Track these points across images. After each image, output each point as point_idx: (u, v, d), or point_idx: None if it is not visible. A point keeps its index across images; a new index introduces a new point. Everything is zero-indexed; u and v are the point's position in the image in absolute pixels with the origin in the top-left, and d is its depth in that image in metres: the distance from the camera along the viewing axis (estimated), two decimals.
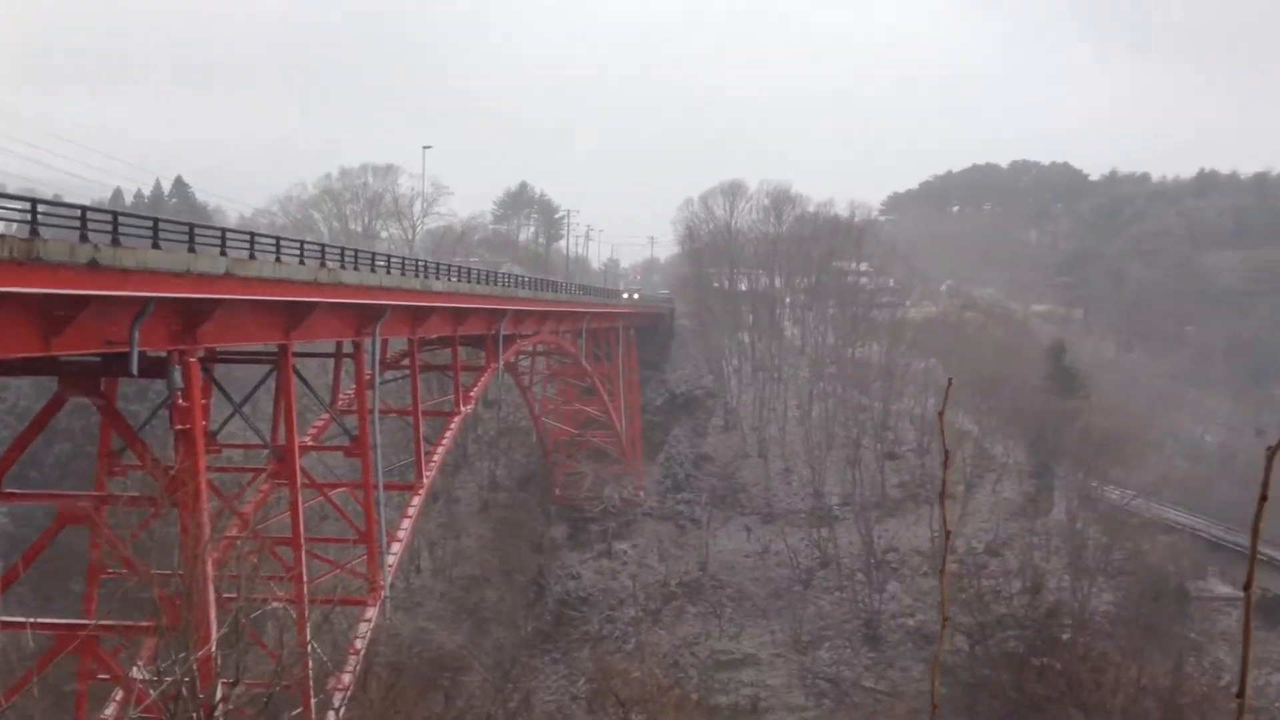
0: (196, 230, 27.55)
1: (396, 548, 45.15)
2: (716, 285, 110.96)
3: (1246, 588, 3.44)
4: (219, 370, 34.86)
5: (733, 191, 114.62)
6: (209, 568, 25.42)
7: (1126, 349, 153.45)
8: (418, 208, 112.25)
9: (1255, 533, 3.47)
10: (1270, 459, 3.34)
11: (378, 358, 42.22)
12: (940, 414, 5.44)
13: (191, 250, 26.27)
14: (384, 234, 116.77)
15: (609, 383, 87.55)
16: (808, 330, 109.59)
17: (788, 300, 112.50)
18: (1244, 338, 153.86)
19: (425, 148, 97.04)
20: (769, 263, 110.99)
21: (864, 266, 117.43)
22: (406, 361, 49.81)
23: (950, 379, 7.57)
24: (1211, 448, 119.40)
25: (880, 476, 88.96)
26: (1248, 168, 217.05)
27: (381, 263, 42.33)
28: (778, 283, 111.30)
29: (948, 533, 4.63)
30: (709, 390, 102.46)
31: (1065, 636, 72.07)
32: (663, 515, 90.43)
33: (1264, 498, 3.33)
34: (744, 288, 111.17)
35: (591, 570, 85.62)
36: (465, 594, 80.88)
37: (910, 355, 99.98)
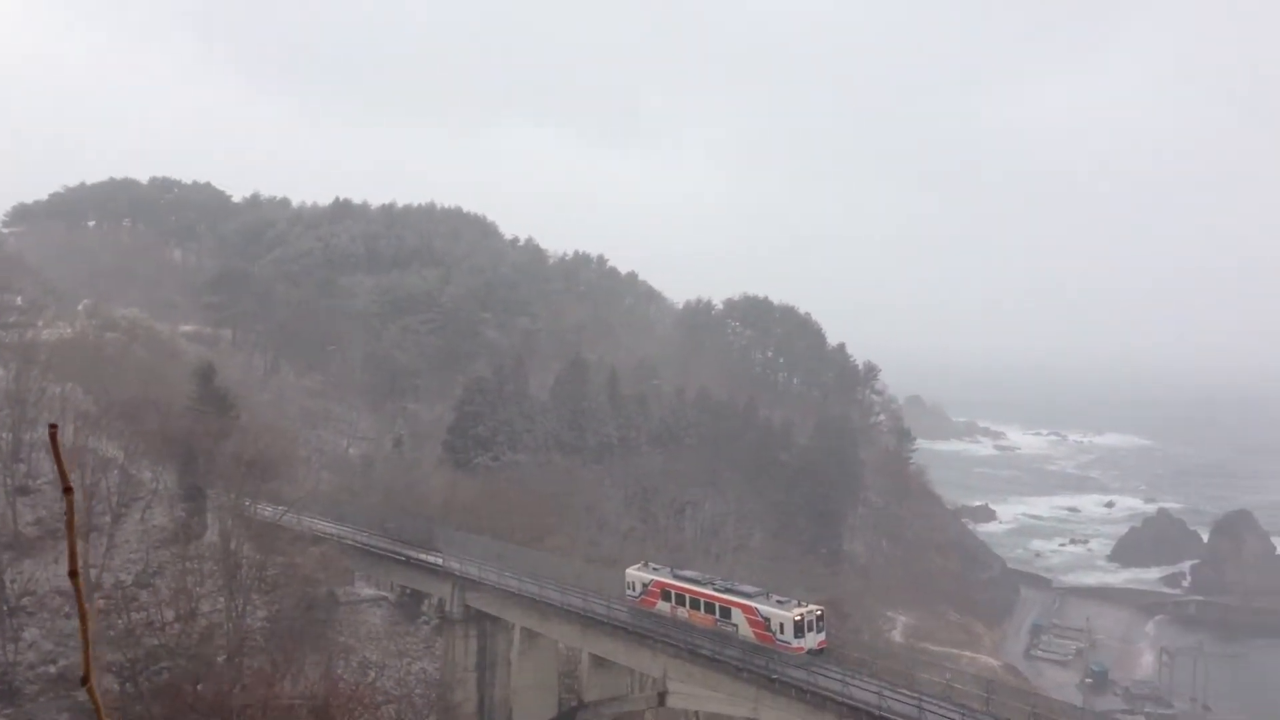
0: None
1: None
2: None
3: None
4: None
5: None
6: None
7: (275, 368, 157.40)
8: None
9: (70, 524, 3.55)
10: (54, 441, 3.72)
11: None
12: None
13: None
14: None
15: None
16: None
17: None
18: (379, 355, 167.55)
19: None
20: None
21: None
22: None
23: None
24: (355, 459, 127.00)
25: (13, 514, 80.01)
26: (378, 199, 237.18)
27: None
28: None
29: None
30: None
31: (221, 659, 71.38)
32: None
33: (68, 489, 3.43)
34: None
35: None
36: None
37: (45, 380, 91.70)
